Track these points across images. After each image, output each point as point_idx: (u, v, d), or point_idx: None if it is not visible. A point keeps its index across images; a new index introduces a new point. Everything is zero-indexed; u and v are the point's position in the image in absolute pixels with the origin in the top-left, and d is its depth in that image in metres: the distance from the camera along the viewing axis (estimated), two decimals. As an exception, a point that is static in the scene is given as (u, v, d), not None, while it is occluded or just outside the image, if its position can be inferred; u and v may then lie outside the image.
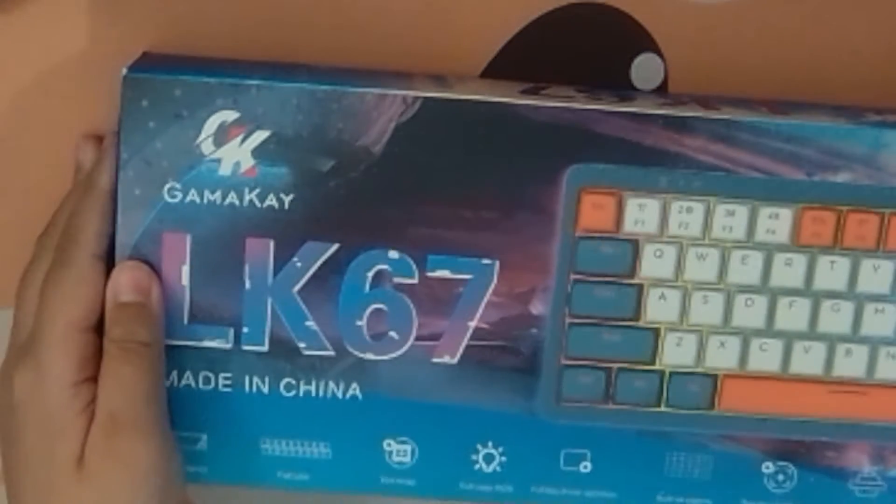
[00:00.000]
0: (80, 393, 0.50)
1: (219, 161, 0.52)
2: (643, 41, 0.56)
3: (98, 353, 0.51)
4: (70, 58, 0.55)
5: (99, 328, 0.51)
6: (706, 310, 0.54)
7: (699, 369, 0.55)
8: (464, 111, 0.52)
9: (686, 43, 0.56)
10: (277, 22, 0.56)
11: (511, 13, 0.56)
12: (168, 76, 0.51)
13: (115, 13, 0.55)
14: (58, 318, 0.50)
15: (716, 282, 0.54)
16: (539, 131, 0.52)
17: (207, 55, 0.55)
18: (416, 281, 0.53)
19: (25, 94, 0.56)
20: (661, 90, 0.56)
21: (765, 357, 0.55)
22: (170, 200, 0.52)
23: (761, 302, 0.54)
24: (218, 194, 0.52)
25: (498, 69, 0.56)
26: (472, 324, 0.54)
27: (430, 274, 0.53)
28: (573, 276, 0.54)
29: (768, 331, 0.54)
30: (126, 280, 0.51)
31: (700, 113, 0.53)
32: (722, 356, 0.54)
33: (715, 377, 0.55)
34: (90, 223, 0.51)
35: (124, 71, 0.51)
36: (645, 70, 0.56)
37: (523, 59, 0.56)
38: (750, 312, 0.54)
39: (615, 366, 0.55)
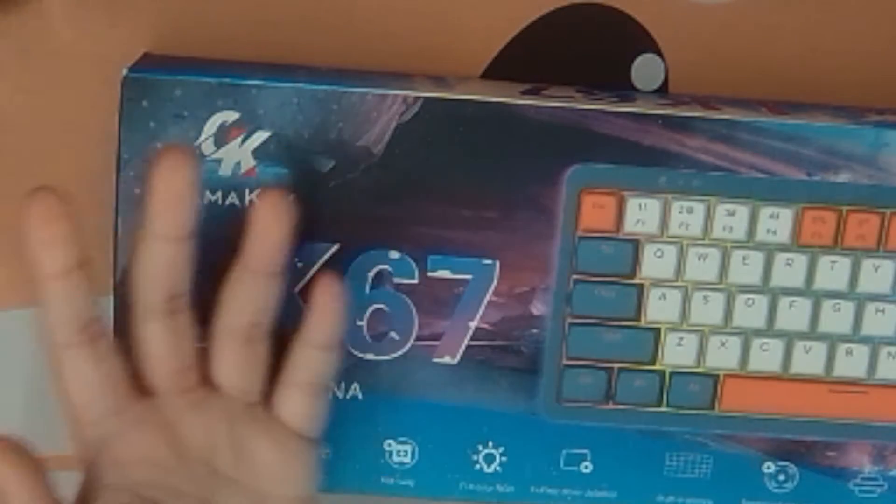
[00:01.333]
0: None
1: (219, 161, 0.52)
2: (643, 41, 0.56)
3: None
4: (70, 58, 0.56)
5: None
6: (707, 310, 0.54)
7: (700, 369, 0.55)
8: (464, 111, 0.52)
9: (686, 43, 0.56)
10: (278, 23, 0.56)
11: (511, 14, 0.56)
12: (168, 76, 0.52)
13: (115, 13, 0.55)
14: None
15: (716, 282, 0.54)
16: (539, 131, 0.53)
17: (207, 56, 0.56)
18: (416, 281, 0.54)
19: (25, 94, 0.56)
20: (662, 90, 0.57)
21: (766, 357, 0.55)
22: (170, 201, 0.52)
23: (762, 302, 0.54)
24: (219, 195, 0.52)
25: (499, 70, 0.57)
26: (473, 324, 0.54)
27: (430, 274, 0.54)
28: (574, 276, 0.54)
29: (769, 331, 0.55)
30: None
31: (700, 113, 0.53)
32: (723, 356, 0.55)
33: (716, 377, 0.55)
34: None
35: (124, 71, 0.52)
36: (645, 70, 0.57)
37: (524, 59, 0.57)
38: (751, 312, 0.54)
39: (616, 366, 0.55)
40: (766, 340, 0.55)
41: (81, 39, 0.56)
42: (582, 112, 0.53)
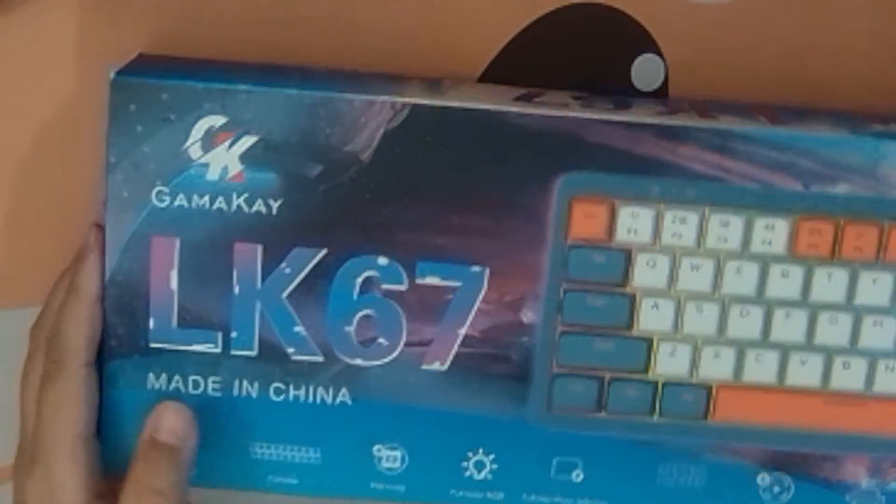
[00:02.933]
0: None
1: (206, 166, 0.52)
2: (643, 41, 0.56)
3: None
4: (68, 58, 0.56)
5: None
6: (700, 320, 0.54)
7: (693, 380, 0.55)
8: (453, 118, 0.52)
9: (686, 43, 0.56)
10: (275, 23, 0.56)
11: (511, 14, 0.56)
12: (155, 80, 0.52)
13: (113, 13, 0.56)
14: (61, 431, 0.51)
15: (710, 292, 0.54)
16: (530, 139, 0.52)
17: (203, 56, 0.56)
18: (405, 288, 0.54)
19: (24, 94, 0.56)
20: (662, 91, 0.57)
21: (760, 368, 0.54)
22: (158, 204, 0.53)
23: (757, 313, 0.54)
24: (206, 199, 0.53)
25: (498, 70, 0.57)
26: (462, 331, 0.54)
27: (419, 281, 0.54)
28: (565, 285, 0.54)
29: (764, 342, 0.54)
30: (162, 419, 0.52)
31: (694, 122, 0.52)
32: (716, 367, 0.54)
33: (709, 388, 0.55)
34: (77, 330, 0.52)
35: (112, 74, 0.52)
36: (645, 70, 0.56)
37: (523, 60, 0.57)
38: (745, 323, 0.54)
39: (607, 374, 0.55)
40: (760, 352, 0.54)
41: (80, 39, 0.56)
42: (573, 120, 0.52)
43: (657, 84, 0.57)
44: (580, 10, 0.56)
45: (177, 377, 0.54)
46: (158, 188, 0.53)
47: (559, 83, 0.56)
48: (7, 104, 0.57)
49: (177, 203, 0.53)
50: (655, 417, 0.55)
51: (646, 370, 0.55)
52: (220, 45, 0.56)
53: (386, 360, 0.54)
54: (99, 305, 0.53)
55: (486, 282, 0.54)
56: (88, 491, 0.51)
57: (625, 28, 0.56)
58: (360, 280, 0.54)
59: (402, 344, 0.54)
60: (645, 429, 0.55)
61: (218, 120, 0.52)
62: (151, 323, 0.54)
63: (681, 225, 0.53)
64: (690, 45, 0.56)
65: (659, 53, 0.56)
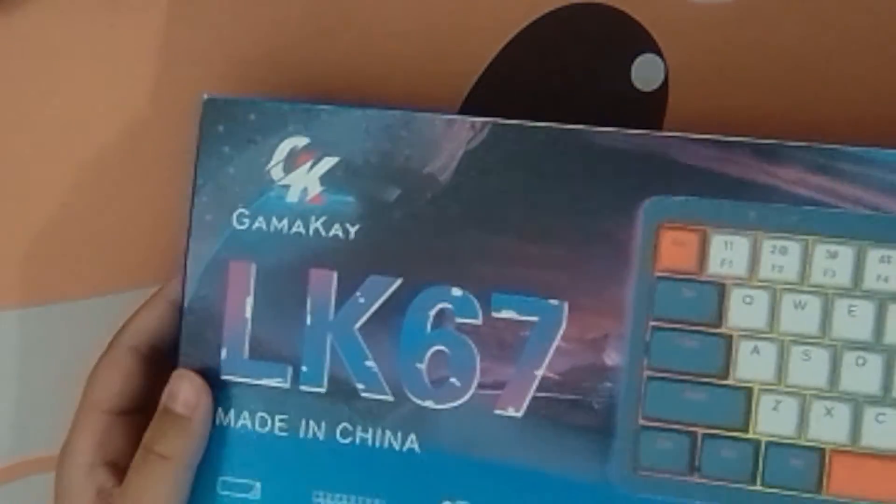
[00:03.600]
0: (94, 476, 0.51)
1: (287, 188, 0.52)
2: (643, 41, 0.55)
3: (127, 441, 0.52)
4: (70, 58, 0.58)
5: (135, 417, 0.53)
6: (808, 368, 0.47)
7: (802, 441, 0.47)
8: (534, 138, 0.50)
9: (686, 43, 0.55)
10: (273, 24, 0.57)
11: (511, 14, 0.56)
12: (244, 100, 0.52)
13: (114, 13, 0.58)
14: (84, 398, 0.52)
15: (818, 335, 0.47)
16: (614, 159, 0.49)
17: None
18: (479, 322, 0.50)
19: (24, 95, 0.58)
20: (662, 91, 0.54)
21: (882, 431, 0.46)
22: (238, 227, 0.52)
23: (875, 362, 0.46)
24: (284, 222, 0.52)
25: (498, 70, 0.56)
26: (539, 372, 0.50)
27: (494, 314, 0.50)
28: (652, 323, 0.48)
29: (885, 398, 0.46)
30: (177, 389, 0.51)
31: (794, 140, 0.47)
32: (829, 426, 0.47)
33: (822, 451, 0.47)
34: (138, 317, 0.53)
35: (205, 95, 0.53)
36: (645, 70, 0.55)
37: (523, 60, 0.56)
38: (862, 374, 0.47)
39: (700, 430, 0.48)
40: (882, 410, 0.46)
41: (80, 39, 0.58)
42: (661, 139, 0.48)
43: (657, 84, 0.55)
44: (580, 10, 0.56)
45: (245, 413, 0.52)
46: (240, 210, 0.52)
47: (559, 83, 0.55)
48: (8, 104, 0.58)
49: (256, 226, 0.52)
50: (758, 485, 0.48)
51: (745, 427, 0.48)
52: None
53: (457, 402, 0.50)
54: (172, 311, 0.53)
55: (564, 317, 0.49)
56: (90, 456, 0.51)
57: (625, 28, 0.56)
58: (433, 313, 0.51)
59: (474, 385, 0.50)
60: (745, 498, 0.48)
61: (301, 140, 0.52)
62: (223, 353, 0.52)
63: (781, 256, 0.47)
64: (690, 45, 0.55)
65: (659, 53, 0.55)
